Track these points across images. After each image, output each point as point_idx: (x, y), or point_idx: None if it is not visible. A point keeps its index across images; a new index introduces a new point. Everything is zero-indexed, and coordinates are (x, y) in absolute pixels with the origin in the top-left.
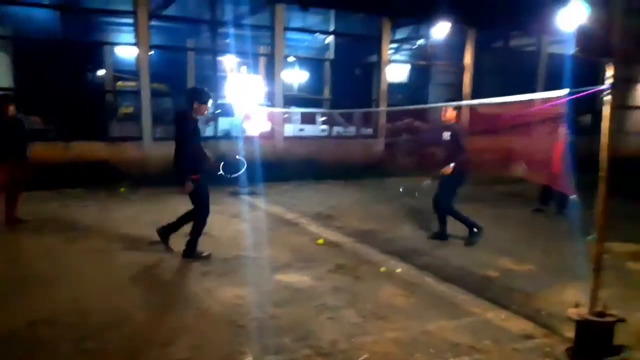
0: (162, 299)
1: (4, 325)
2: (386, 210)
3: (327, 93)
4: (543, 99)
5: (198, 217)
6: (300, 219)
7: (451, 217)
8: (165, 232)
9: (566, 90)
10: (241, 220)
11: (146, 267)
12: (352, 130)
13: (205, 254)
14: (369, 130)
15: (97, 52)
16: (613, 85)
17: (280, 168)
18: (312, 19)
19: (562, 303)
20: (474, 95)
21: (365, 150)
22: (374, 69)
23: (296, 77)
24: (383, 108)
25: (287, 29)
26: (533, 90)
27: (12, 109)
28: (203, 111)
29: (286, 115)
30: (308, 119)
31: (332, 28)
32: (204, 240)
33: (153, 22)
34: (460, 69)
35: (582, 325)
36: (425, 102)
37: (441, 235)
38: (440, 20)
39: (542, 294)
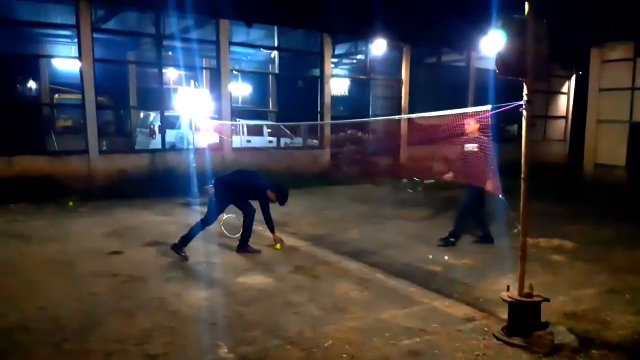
0: (131, 303)
1: None
2: (335, 215)
3: (272, 105)
4: (472, 112)
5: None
6: (255, 227)
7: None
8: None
9: (489, 106)
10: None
11: (110, 275)
12: (298, 141)
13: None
14: (315, 141)
15: (32, 64)
16: (527, 102)
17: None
18: (256, 33)
19: (497, 291)
20: (411, 107)
21: (312, 160)
22: (317, 82)
23: (240, 90)
24: (328, 121)
25: (232, 43)
26: (464, 102)
27: None
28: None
29: (233, 128)
30: (255, 131)
31: (275, 43)
32: (157, 249)
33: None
34: (398, 82)
35: (513, 306)
36: (366, 114)
37: (487, 238)
38: (377, 37)
39: (479, 284)
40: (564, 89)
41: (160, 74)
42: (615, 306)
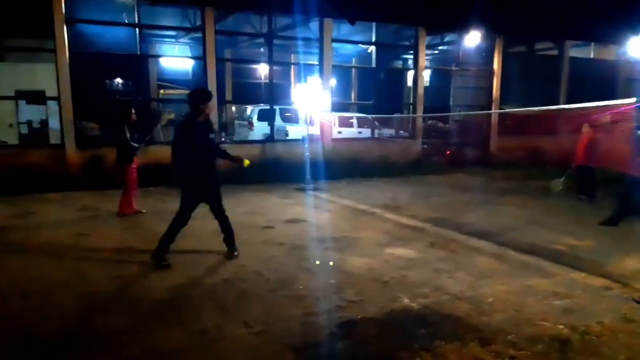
0: (308, 264)
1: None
2: (442, 201)
3: (353, 97)
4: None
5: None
6: (373, 209)
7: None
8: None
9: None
10: (324, 211)
11: (277, 244)
12: (387, 132)
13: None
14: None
15: (144, 63)
16: None
17: (329, 167)
18: (346, 28)
19: (626, 267)
20: (502, 98)
21: (404, 150)
22: (404, 75)
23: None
24: (422, 114)
25: (334, 40)
26: (556, 94)
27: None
28: (210, 110)
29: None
30: (344, 123)
31: (373, 38)
32: (299, 225)
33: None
34: (489, 73)
35: None
36: (447, 104)
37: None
38: (472, 29)
39: (607, 261)
40: None
41: (271, 70)
42: None
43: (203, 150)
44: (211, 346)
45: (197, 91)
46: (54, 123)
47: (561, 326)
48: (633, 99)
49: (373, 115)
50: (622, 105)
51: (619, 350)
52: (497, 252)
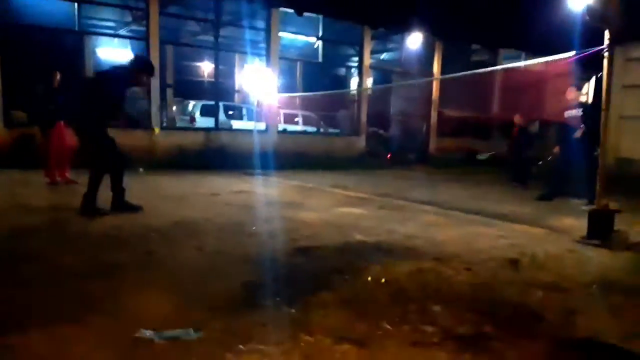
0: (266, 215)
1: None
2: (390, 185)
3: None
4: (555, 61)
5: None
6: (321, 187)
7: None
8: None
9: (572, 52)
10: (272, 187)
11: (228, 204)
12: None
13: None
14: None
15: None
16: (609, 47)
17: (275, 159)
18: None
19: (564, 224)
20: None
21: (348, 146)
22: (349, 72)
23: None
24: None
25: (281, 31)
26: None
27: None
28: (144, 82)
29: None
30: (289, 120)
31: (320, 33)
32: (246, 195)
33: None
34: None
35: (592, 214)
36: (388, 111)
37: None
38: (413, 30)
39: (546, 220)
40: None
41: (217, 60)
42: None
43: (116, 102)
44: (158, 263)
45: (142, 58)
46: None
47: (510, 253)
48: (572, 52)
49: (305, 113)
50: (561, 59)
51: (565, 268)
52: (443, 213)
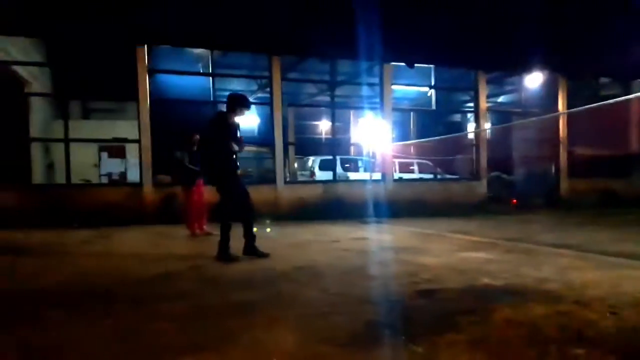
0: (380, 260)
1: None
2: (513, 229)
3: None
4: None
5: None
6: (441, 233)
7: None
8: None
9: None
10: (389, 234)
11: (346, 250)
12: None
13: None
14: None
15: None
16: None
17: (392, 207)
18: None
19: None
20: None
21: (468, 192)
22: (464, 118)
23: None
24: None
25: (393, 84)
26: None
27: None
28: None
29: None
30: (405, 168)
31: (432, 82)
32: (363, 241)
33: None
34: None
35: None
36: (511, 155)
37: None
38: (533, 69)
39: None
40: None
41: (333, 117)
42: None
43: (231, 148)
44: (286, 302)
45: (239, 95)
46: (131, 175)
47: None
48: None
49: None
50: None
51: None
52: (579, 255)
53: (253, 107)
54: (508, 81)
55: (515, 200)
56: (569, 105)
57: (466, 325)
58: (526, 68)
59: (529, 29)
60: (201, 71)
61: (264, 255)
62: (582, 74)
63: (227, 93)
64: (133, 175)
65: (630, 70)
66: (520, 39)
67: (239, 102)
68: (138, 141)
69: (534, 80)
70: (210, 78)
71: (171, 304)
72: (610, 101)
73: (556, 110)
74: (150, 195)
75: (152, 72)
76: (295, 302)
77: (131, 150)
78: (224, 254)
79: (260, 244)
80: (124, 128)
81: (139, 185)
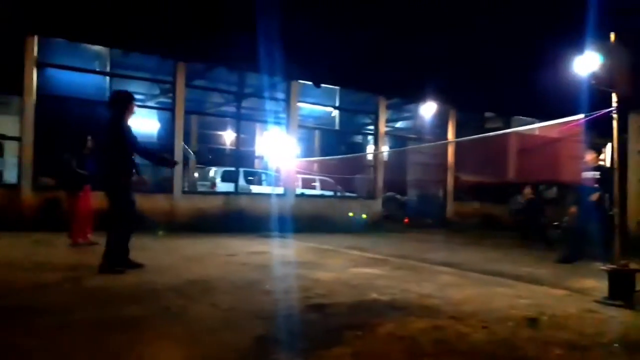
0: (278, 274)
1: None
2: (405, 247)
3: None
4: (563, 122)
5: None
6: (338, 249)
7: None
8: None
9: (582, 115)
10: (288, 248)
11: (243, 264)
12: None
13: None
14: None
15: None
16: (617, 109)
17: (293, 222)
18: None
19: (583, 284)
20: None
21: (366, 210)
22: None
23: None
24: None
25: (300, 101)
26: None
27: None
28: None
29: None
30: (307, 185)
31: (337, 102)
32: (261, 255)
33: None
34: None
35: (613, 274)
36: (405, 179)
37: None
38: (427, 100)
39: (563, 282)
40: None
41: (238, 128)
42: None
43: (132, 152)
44: (173, 317)
45: (123, 92)
46: (8, 176)
47: (529, 312)
48: (581, 115)
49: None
50: (570, 121)
51: (586, 327)
52: (460, 273)
53: (154, 112)
54: (406, 108)
55: (407, 220)
56: (458, 134)
57: (352, 340)
58: (422, 98)
59: (428, 65)
60: (98, 69)
61: (139, 266)
62: (469, 107)
63: None
64: (11, 176)
65: (510, 107)
66: (419, 72)
67: (129, 100)
68: (19, 139)
69: (428, 109)
70: (108, 77)
71: (41, 319)
72: (492, 134)
73: (446, 138)
74: (29, 198)
75: (41, 65)
76: (184, 318)
77: (11, 148)
78: (108, 265)
79: (152, 256)
80: (4, 124)
81: (16, 187)
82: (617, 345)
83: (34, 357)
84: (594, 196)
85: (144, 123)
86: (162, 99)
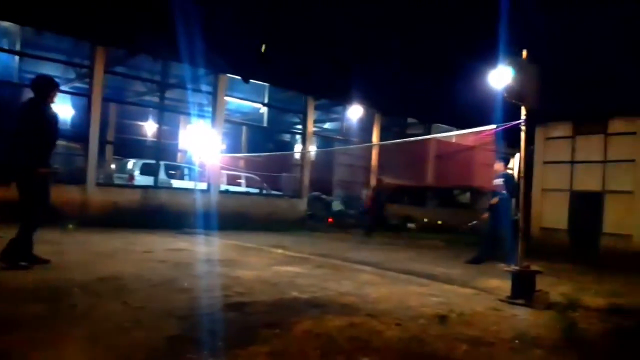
0: (197, 272)
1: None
2: (327, 246)
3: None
4: (477, 131)
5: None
6: (260, 247)
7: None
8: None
9: (493, 126)
10: (210, 246)
11: (162, 261)
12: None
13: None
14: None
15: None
16: (525, 121)
17: (216, 219)
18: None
19: (489, 286)
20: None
21: (290, 208)
22: (293, 138)
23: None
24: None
25: (227, 95)
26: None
27: None
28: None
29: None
30: (231, 181)
31: (265, 99)
32: (180, 252)
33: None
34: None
35: (515, 275)
36: (331, 180)
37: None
38: (354, 102)
39: (473, 282)
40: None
41: (160, 120)
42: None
43: (54, 139)
44: (80, 316)
45: (45, 77)
46: None
47: (440, 310)
48: (493, 125)
49: (247, 173)
50: (483, 131)
51: (490, 324)
52: (378, 272)
53: (68, 97)
54: (333, 110)
55: (331, 219)
56: (382, 138)
57: (270, 338)
58: (349, 100)
59: (356, 69)
60: (6, 47)
61: (43, 262)
62: (392, 111)
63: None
64: None
65: (431, 115)
66: (347, 76)
67: (52, 86)
68: None
69: (355, 112)
70: (17, 57)
71: None
72: (413, 139)
73: (371, 141)
74: None
75: None
76: (91, 317)
77: None
78: (10, 258)
79: (60, 251)
80: None
81: None
82: (517, 341)
83: None
84: (494, 200)
85: (57, 109)
86: (77, 84)
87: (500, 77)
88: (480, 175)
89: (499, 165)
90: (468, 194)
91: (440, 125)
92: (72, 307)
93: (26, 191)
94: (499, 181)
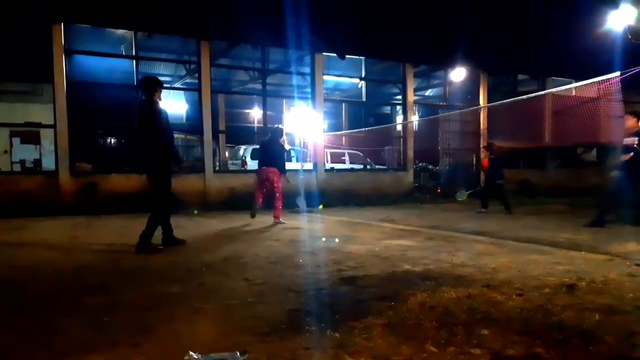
0: (312, 248)
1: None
2: (437, 217)
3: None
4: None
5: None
6: (369, 222)
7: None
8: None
9: (617, 73)
10: (319, 223)
11: (277, 240)
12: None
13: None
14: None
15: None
16: None
17: (323, 197)
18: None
19: (625, 248)
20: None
21: (395, 181)
22: (394, 110)
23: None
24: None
25: (324, 74)
26: (541, 128)
27: None
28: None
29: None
30: (336, 159)
31: (363, 73)
32: (299, 229)
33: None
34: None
35: None
36: (436, 149)
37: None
38: (457, 65)
39: (603, 247)
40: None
41: (265, 104)
42: None
43: (167, 135)
44: (208, 294)
45: (152, 77)
46: (47, 163)
47: (566, 279)
48: (617, 73)
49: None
50: (606, 80)
51: (625, 292)
52: (495, 242)
53: (181, 93)
54: (434, 75)
55: (440, 190)
56: (489, 99)
57: (384, 310)
58: (450, 63)
59: (455, 28)
60: (124, 53)
61: (181, 243)
62: (500, 70)
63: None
64: (49, 163)
65: (544, 68)
66: (446, 36)
67: (156, 84)
68: (53, 126)
69: (458, 75)
70: (134, 61)
71: (86, 298)
72: (526, 97)
73: (478, 104)
74: (67, 184)
75: (69, 52)
76: (219, 293)
77: (47, 136)
78: (145, 245)
79: (185, 235)
80: (39, 112)
81: (54, 173)
82: None
83: (83, 331)
84: (626, 156)
85: (173, 105)
86: (189, 80)
87: (622, 18)
88: (606, 129)
89: (631, 122)
90: (594, 151)
91: (555, 78)
92: (201, 285)
93: (154, 184)
94: (630, 140)
